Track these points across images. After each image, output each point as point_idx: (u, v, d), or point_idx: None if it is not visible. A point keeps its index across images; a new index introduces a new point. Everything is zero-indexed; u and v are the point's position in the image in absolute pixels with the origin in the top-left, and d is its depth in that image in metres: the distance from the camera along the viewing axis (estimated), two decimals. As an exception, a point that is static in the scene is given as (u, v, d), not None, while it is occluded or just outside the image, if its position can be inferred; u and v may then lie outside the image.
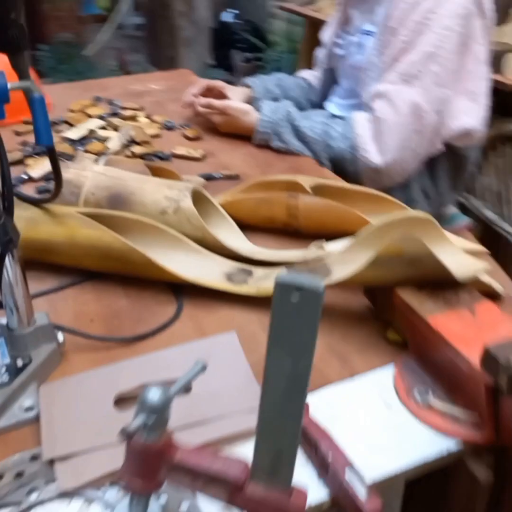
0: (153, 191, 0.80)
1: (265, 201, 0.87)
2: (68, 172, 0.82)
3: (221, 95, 1.31)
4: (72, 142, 1.16)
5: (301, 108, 1.22)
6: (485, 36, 1.12)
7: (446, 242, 0.66)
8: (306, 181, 0.89)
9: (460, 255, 0.65)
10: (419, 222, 0.65)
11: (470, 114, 1.14)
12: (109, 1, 4.40)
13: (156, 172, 0.93)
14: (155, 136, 1.23)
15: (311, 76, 1.46)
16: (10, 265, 0.56)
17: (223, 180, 1.04)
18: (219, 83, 1.32)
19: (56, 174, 0.65)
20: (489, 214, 1.75)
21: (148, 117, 1.33)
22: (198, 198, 0.83)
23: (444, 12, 1.06)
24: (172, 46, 3.92)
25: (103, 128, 1.25)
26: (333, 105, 1.32)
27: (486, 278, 0.67)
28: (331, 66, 1.36)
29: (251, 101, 1.33)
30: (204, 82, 1.31)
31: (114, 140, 1.16)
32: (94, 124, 1.24)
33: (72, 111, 1.35)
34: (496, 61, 1.54)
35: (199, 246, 0.77)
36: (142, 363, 0.60)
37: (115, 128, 1.24)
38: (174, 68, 2.00)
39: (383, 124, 1.10)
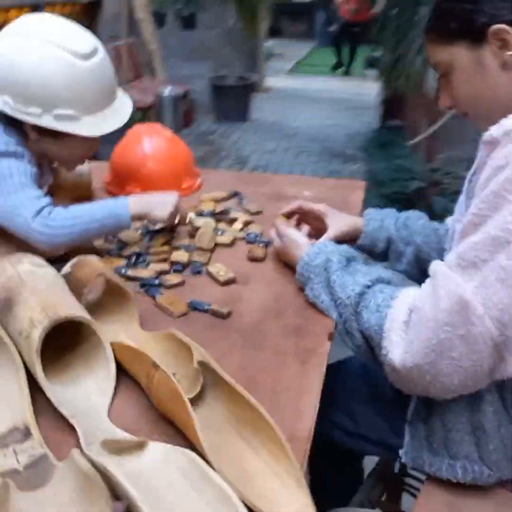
0: (28, 308, 0.76)
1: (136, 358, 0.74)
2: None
3: (319, 221, 1.15)
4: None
5: (427, 259, 0.98)
6: None
7: None
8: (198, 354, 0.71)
9: None
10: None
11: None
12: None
13: (111, 287, 0.88)
14: (223, 244, 1.16)
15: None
16: None
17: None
18: (320, 208, 1.15)
19: None
20: None
21: (247, 222, 1.26)
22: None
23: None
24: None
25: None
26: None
27: None
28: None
29: (358, 233, 1.13)
30: (298, 203, 1.16)
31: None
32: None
33: (206, 200, 1.37)
34: None
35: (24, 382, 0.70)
36: None
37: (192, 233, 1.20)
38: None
39: (417, 313, 0.80)
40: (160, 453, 0.64)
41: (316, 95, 7.39)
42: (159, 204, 1.11)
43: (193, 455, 0.62)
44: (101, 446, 0.62)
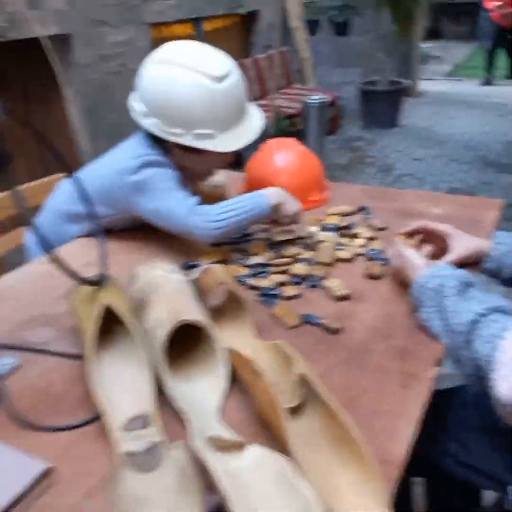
0: (157, 310, 0.86)
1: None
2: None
3: (443, 242, 1.13)
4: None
5: None
6: None
7: None
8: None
9: None
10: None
11: None
12: None
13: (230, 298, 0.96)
14: (343, 259, 1.19)
15: None
16: None
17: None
18: (444, 229, 1.14)
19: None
20: None
21: (370, 238, 1.27)
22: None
23: None
24: None
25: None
26: None
27: None
28: None
29: (482, 256, 1.11)
30: (421, 223, 1.15)
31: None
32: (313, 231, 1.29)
33: (332, 213, 1.41)
34: None
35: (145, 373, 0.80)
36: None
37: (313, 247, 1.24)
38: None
39: None
40: (257, 456, 0.69)
41: (471, 99, 7.03)
42: (290, 198, 1.24)
43: (287, 462, 0.67)
44: (206, 442, 0.69)
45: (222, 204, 1.21)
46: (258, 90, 4.97)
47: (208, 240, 1.21)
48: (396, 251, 1.09)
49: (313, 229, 1.29)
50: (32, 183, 1.55)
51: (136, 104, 1.25)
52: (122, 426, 0.74)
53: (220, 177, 1.49)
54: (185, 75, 1.16)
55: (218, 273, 0.99)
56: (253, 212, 1.19)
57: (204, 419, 0.77)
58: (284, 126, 4.44)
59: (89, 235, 1.33)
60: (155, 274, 0.94)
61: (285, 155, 1.49)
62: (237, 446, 0.70)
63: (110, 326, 0.86)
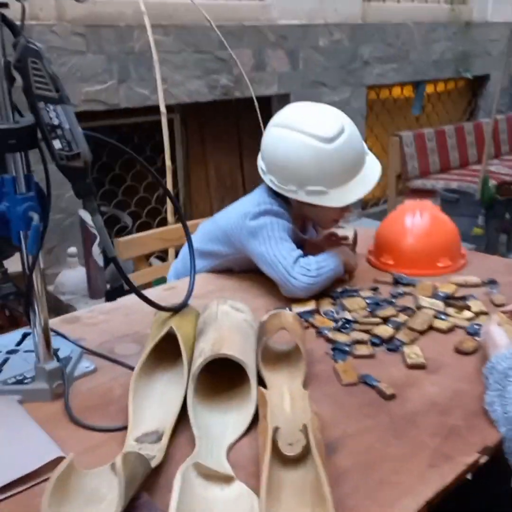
0: (206, 340, 0.92)
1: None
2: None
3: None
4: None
5: None
6: None
7: None
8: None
9: None
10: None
11: None
12: None
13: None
14: (438, 329, 1.11)
15: None
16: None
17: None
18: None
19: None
20: None
21: (481, 313, 1.17)
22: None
23: None
24: None
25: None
26: None
27: None
28: None
29: None
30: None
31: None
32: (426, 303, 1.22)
33: (452, 282, 1.33)
34: None
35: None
36: None
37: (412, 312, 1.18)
38: None
39: None
40: (237, 492, 0.70)
41: None
42: (350, 255, 1.36)
43: (256, 504, 0.66)
44: (192, 466, 0.72)
45: (316, 259, 1.25)
46: (476, 155, 4.76)
47: (302, 293, 1.23)
48: (486, 327, 0.99)
49: (422, 295, 1.23)
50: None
51: (260, 162, 1.37)
52: (137, 438, 0.80)
53: (348, 231, 1.51)
54: (297, 138, 1.24)
55: (285, 318, 1.01)
56: (336, 270, 1.27)
57: (213, 449, 0.79)
58: (493, 192, 4.18)
59: (213, 271, 1.46)
60: (221, 309, 1.00)
61: (417, 217, 1.45)
62: (224, 478, 0.72)
63: (176, 348, 0.94)
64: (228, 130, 3.78)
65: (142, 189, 3.40)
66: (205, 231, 1.47)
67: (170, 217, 2.41)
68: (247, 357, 0.90)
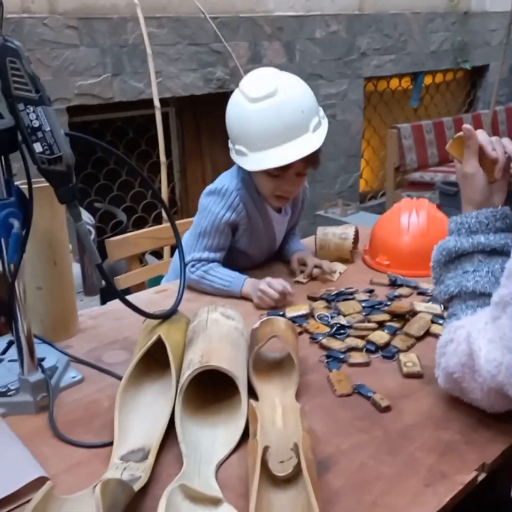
0: (195, 350, 0.89)
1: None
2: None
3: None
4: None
5: None
6: None
7: None
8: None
9: None
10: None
11: None
12: None
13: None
14: (436, 335, 1.08)
15: None
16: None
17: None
18: None
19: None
20: None
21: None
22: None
23: None
24: None
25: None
26: None
27: None
28: None
29: None
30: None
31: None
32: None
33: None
34: None
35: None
36: None
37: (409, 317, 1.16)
38: None
39: None
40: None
41: None
42: (262, 292, 1.23)
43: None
44: (178, 488, 0.69)
45: (223, 270, 1.33)
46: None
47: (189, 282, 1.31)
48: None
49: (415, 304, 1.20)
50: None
51: None
52: (122, 456, 0.77)
53: (348, 229, 1.47)
54: (234, 94, 1.27)
55: (277, 325, 0.98)
56: (221, 291, 1.31)
57: (201, 467, 0.76)
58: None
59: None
60: (211, 317, 0.97)
61: (413, 216, 1.42)
62: (212, 500, 0.69)
63: (165, 356, 0.90)
64: (224, 123, 3.74)
65: (137, 184, 3.36)
66: (188, 242, 1.41)
67: (164, 213, 2.38)
68: (237, 368, 0.87)
